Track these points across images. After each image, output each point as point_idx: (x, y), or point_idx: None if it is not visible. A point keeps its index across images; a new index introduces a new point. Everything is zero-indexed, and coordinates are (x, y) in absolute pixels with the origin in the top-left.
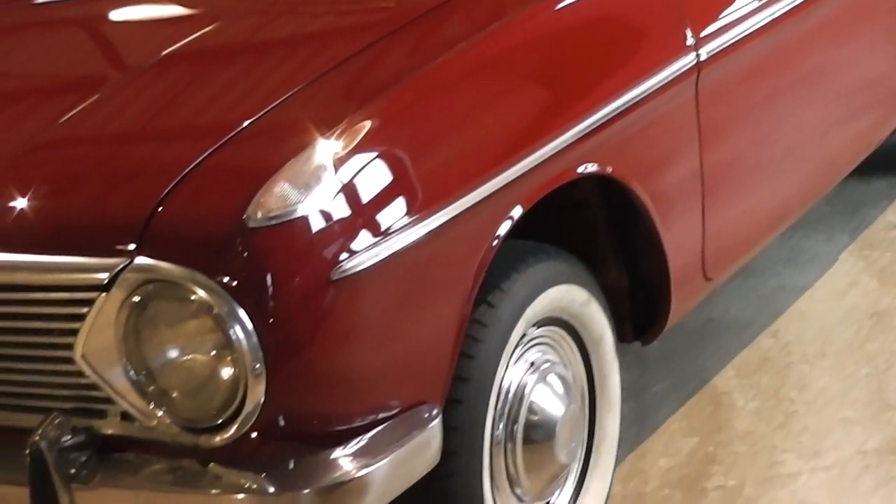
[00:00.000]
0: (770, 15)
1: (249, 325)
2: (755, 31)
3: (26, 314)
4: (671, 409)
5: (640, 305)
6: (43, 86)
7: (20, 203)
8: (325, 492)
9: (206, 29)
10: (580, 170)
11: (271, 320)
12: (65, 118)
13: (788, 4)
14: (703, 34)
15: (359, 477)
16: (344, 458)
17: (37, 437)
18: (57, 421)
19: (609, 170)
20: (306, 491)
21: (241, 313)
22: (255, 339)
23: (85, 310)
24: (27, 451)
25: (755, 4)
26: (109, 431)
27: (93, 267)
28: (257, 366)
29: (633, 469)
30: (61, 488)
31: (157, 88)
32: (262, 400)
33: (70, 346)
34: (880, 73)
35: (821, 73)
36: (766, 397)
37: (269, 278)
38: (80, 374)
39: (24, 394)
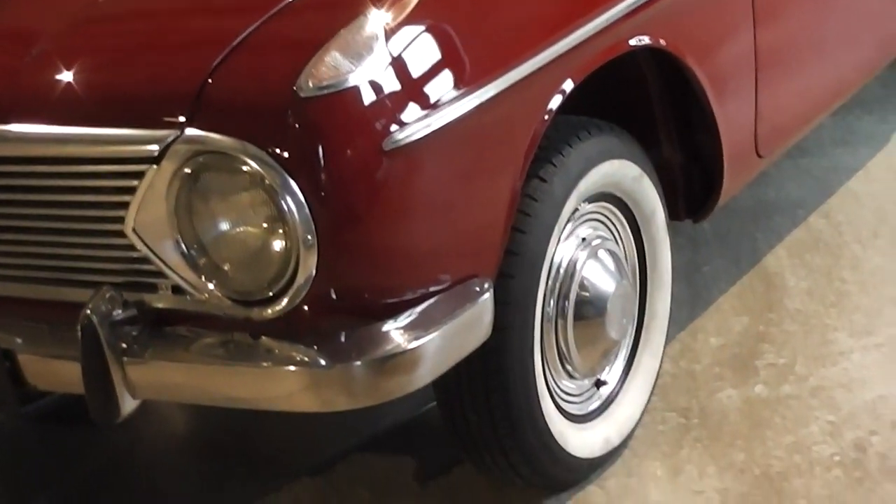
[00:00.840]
0: None
1: (301, 197)
2: None
3: (77, 187)
4: (722, 288)
5: (692, 183)
6: None
7: (71, 76)
8: (377, 364)
9: None
10: (632, 42)
11: (323, 191)
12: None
13: None
14: None
15: (411, 349)
16: (396, 331)
17: (88, 311)
18: (108, 295)
19: (662, 42)
20: (358, 363)
21: (293, 185)
22: (306, 210)
23: (135, 182)
24: (79, 326)
25: None
26: (160, 305)
27: (143, 139)
28: (309, 237)
29: (684, 348)
30: (113, 362)
31: None
32: (314, 272)
33: (121, 220)
34: None
35: None
36: (817, 277)
37: (320, 149)
38: (131, 247)
39: (75, 268)
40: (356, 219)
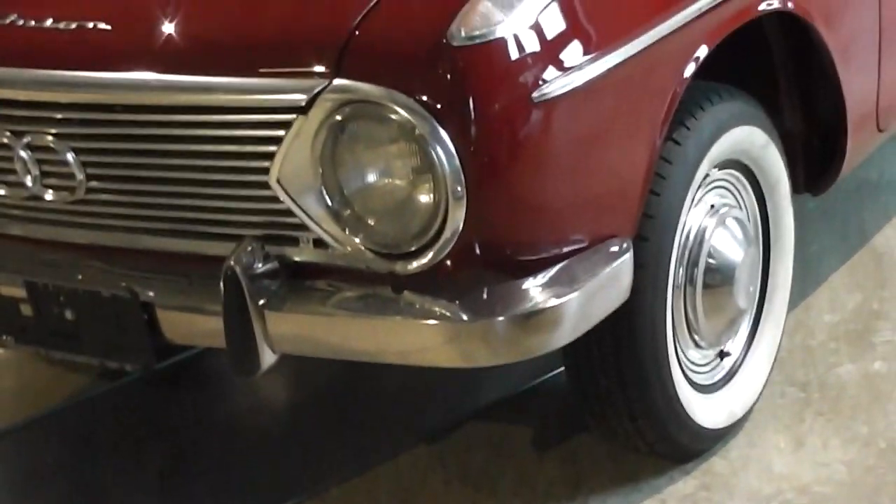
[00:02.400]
0: None
1: (451, 147)
2: None
3: (220, 137)
4: (833, 266)
5: (813, 155)
6: None
7: (216, 25)
8: (520, 320)
9: None
10: (762, 7)
11: (474, 141)
12: None
13: None
14: None
15: (553, 307)
16: (538, 288)
17: (231, 263)
18: (250, 247)
19: (790, 6)
20: (501, 318)
21: (443, 134)
22: (456, 161)
23: (281, 133)
24: (221, 278)
25: None
26: (301, 259)
27: (291, 88)
28: (458, 189)
29: (798, 323)
30: (255, 314)
31: None
32: (461, 226)
33: (265, 171)
34: None
35: None
36: None
37: (471, 98)
38: (274, 199)
39: (215, 221)
40: (505, 172)
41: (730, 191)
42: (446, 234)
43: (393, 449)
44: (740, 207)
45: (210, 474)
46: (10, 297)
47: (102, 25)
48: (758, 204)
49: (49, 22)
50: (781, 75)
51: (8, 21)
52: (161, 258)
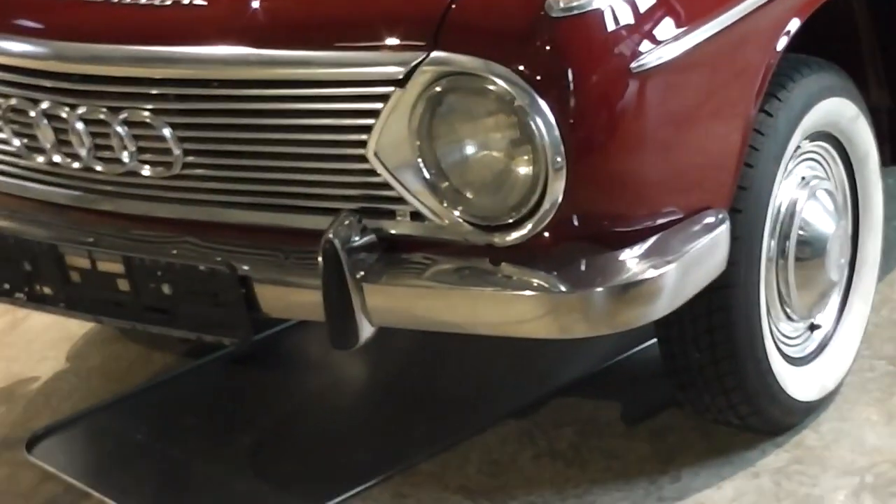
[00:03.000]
0: None
1: (551, 118)
2: None
3: (317, 111)
4: None
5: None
6: None
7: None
8: (618, 291)
9: None
10: None
11: (573, 112)
12: None
13: None
14: None
15: (652, 278)
16: (636, 259)
17: (330, 236)
18: (348, 221)
19: None
20: (599, 290)
21: (543, 105)
22: (556, 132)
23: (378, 106)
24: (320, 251)
25: None
26: (397, 232)
27: (388, 61)
28: (558, 160)
29: (884, 298)
30: (353, 287)
31: None
32: (560, 198)
33: (362, 144)
34: None
35: None
36: None
37: (571, 69)
38: (371, 172)
39: (311, 194)
40: (604, 142)
41: (819, 163)
42: (545, 205)
43: (481, 424)
44: (830, 180)
45: (297, 452)
46: (106, 272)
47: (198, 1)
48: (847, 177)
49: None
50: (867, 49)
51: (103, 0)
52: (254, 233)
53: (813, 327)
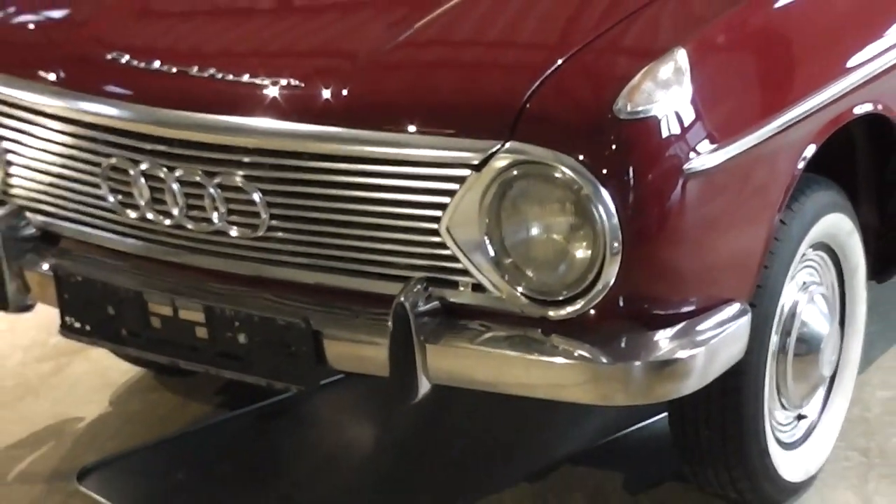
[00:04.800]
0: None
1: (612, 207)
2: None
3: (397, 187)
4: (883, 348)
5: (882, 247)
6: None
7: (400, 86)
8: (655, 367)
9: None
10: (856, 110)
11: (632, 204)
12: (424, 21)
13: None
14: None
15: (685, 358)
16: (671, 340)
17: (401, 300)
18: (416, 288)
19: (880, 108)
20: (638, 363)
21: (606, 195)
22: (615, 219)
23: (455, 186)
24: (391, 313)
25: None
26: (459, 301)
27: (468, 147)
28: (615, 245)
29: (854, 398)
30: (417, 346)
31: (502, 4)
32: (612, 280)
33: (436, 220)
34: None
35: None
36: None
37: (632, 165)
38: (441, 245)
39: (385, 262)
40: (657, 233)
41: (816, 270)
42: (598, 286)
43: (498, 486)
44: (825, 286)
45: (318, 499)
46: (187, 320)
47: (295, 82)
48: (837, 285)
49: (246, 77)
50: (861, 172)
51: (207, 74)
52: (324, 293)
53: (800, 417)
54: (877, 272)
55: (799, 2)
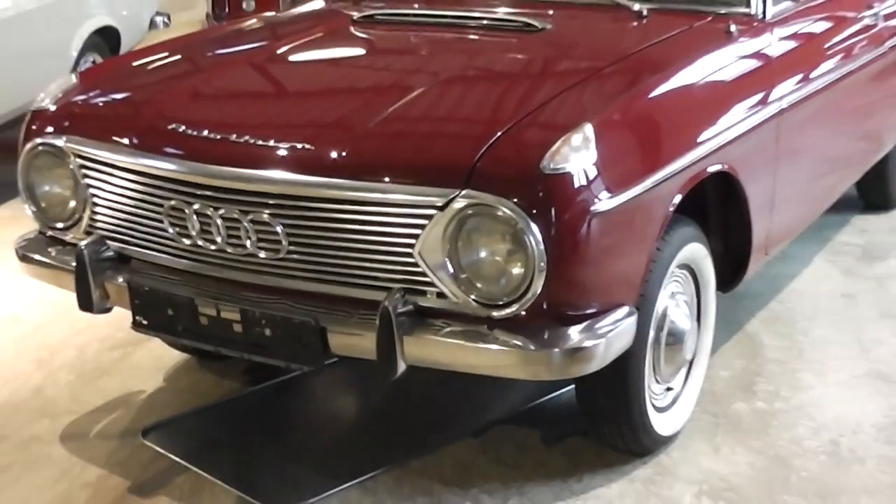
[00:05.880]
0: (822, 83)
1: (539, 237)
2: (813, 92)
3: (383, 222)
4: (725, 339)
5: (725, 266)
6: (377, 80)
7: (387, 150)
8: (569, 352)
9: (471, 60)
10: (710, 168)
11: (553, 235)
12: (403, 101)
13: (833, 77)
14: (784, 95)
15: (590, 346)
16: (581, 333)
17: (386, 304)
18: (396, 295)
19: (726, 168)
20: (556, 350)
21: (535, 228)
22: (542, 246)
23: (425, 221)
24: (378, 313)
25: (812, 83)
26: (426, 304)
27: (435, 193)
28: (542, 264)
29: (706, 376)
30: (397, 338)
31: (461, 90)
32: (539, 290)
33: (411, 246)
34: (878, 119)
35: (845, 120)
36: (783, 339)
37: (554, 206)
38: (414, 265)
39: (373, 276)
40: (571, 255)
41: (680, 283)
42: (528, 294)
43: (450, 439)
44: (687, 295)
45: (317, 451)
46: (227, 318)
47: (308, 146)
48: (695, 293)
49: (271, 142)
50: (711, 213)
51: (243, 140)
52: (329, 299)
53: (669, 388)
54: (722, 285)
55: (667, 93)
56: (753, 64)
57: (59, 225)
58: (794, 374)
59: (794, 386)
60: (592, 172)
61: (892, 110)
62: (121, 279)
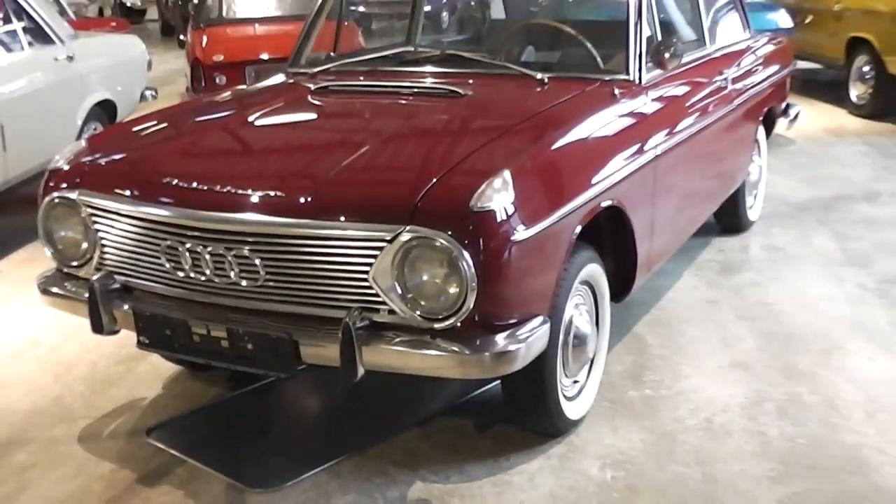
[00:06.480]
0: (686, 134)
1: (471, 262)
2: (680, 141)
3: (341, 253)
4: (616, 341)
5: (616, 282)
6: (333, 138)
7: (344, 195)
8: (495, 356)
9: (410, 121)
10: (603, 203)
11: (481, 261)
12: (356, 155)
13: (695, 129)
14: (658, 144)
15: (513, 350)
16: (505, 339)
17: (346, 320)
18: (355, 313)
19: (615, 202)
20: (486, 354)
21: (466, 255)
22: (473, 270)
23: (377, 252)
24: (341, 328)
25: (679, 134)
26: (379, 319)
27: (384, 229)
28: (473, 284)
29: (604, 370)
30: (357, 348)
31: (402, 144)
32: (472, 305)
33: (366, 272)
34: (730, 162)
35: (705, 162)
36: (664, 338)
37: (481, 237)
38: (369, 288)
39: (335, 298)
40: (498, 276)
41: (582, 296)
42: (463, 309)
43: (399, 428)
44: (587, 306)
45: (291, 442)
46: (216, 336)
47: (279, 193)
48: (595, 305)
49: (249, 191)
50: (605, 239)
51: (226, 190)
52: (300, 317)
53: (576, 381)
54: (614, 296)
55: (567, 144)
56: (633, 120)
57: (74, 263)
58: (674, 367)
59: (674, 376)
60: (511, 209)
61: (740, 154)
62: (126, 307)
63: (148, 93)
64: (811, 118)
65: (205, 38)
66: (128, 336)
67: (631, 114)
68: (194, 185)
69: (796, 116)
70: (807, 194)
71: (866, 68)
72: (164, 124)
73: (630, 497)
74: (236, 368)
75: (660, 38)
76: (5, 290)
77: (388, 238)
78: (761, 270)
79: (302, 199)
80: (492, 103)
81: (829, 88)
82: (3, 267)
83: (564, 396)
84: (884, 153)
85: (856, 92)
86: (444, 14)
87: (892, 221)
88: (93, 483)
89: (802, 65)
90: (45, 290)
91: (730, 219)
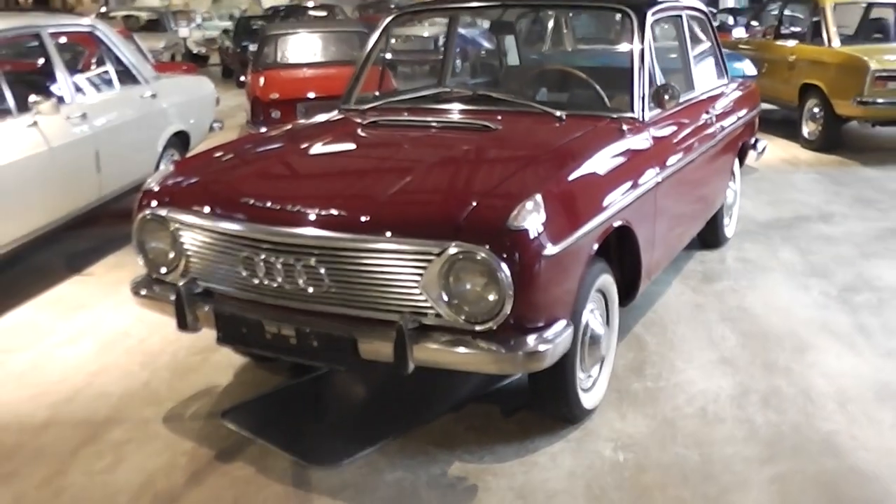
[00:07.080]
0: (681, 164)
1: (508, 273)
2: (675, 170)
3: (396, 264)
4: (619, 340)
5: (623, 288)
6: (385, 165)
7: (399, 214)
8: (527, 354)
9: (450, 151)
10: (615, 224)
11: (517, 272)
12: (407, 179)
13: (687, 160)
14: (658, 173)
15: (542, 350)
16: (535, 341)
17: (400, 322)
18: (407, 316)
19: (624, 222)
20: (520, 352)
21: (504, 267)
22: (510, 280)
23: (426, 264)
24: (395, 329)
25: (675, 165)
26: (427, 322)
27: (433, 244)
28: (510, 293)
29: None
30: (409, 346)
31: (445, 170)
32: (508, 311)
33: (417, 282)
34: (713, 187)
35: (694, 188)
36: (659, 337)
37: (517, 252)
38: (420, 295)
39: (390, 303)
40: (530, 286)
41: (596, 302)
42: (501, 314)
43: (436, 412)
44: (600, 310)
45: (345, 425)
46: (285, 334)
47: (342, 212)
48: (606, 309)
49: (316, 209)
50: (614, 253)
51: (296, 209)
52: (359, 319)
53: (590, 375)
54: (621, 301)
55: (584, 173)
56: (638, 152)
57: (163, 270)
58: (670, 362)
59: (670, 369)
60: (541, 228)
61: (721, 181)
62: (207, 308)
63: (216, 125)
64: (770, 151)
65: (262, 80)
66: (203, 331)
67: (636, 147)
68: (268, 204)
69: (763, 150)
70: (771, 214)
71: (816, 109)
72: (239, 153)
73: (639, 475)
74: (302, 362)
75: (660, 81)
76: (97, 290)
77: (436, 252)
78: (738, 279)
79: (361, 218)
80: (518, 136)
81: (782, 126)
82: (95, 271)
83: (581, 388)
84: (834, 181)
85: (807, 129)
86: (457, 61)
87: (846, 238)
88: (178, 458)
89: (762, 106)
90: (136, 293)
91: (710, 235)
